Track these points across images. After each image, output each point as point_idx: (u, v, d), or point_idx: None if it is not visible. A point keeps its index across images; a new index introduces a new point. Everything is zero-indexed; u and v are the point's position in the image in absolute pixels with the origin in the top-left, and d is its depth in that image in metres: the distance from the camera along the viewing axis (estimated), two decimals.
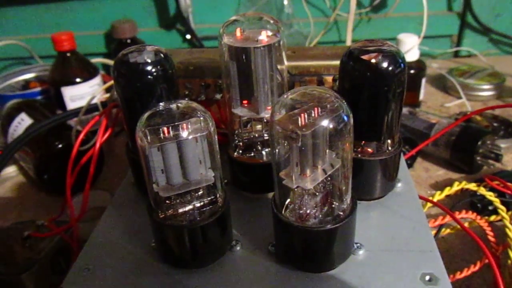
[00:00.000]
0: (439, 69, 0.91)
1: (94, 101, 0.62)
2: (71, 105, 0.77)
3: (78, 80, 0.77)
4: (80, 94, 0.77)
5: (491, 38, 1.03)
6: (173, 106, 0.29)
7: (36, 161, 0.62)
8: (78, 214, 0.43)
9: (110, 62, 0.92)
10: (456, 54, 1.05)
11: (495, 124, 0.71)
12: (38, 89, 0.82)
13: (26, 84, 0.89)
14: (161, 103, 0.30)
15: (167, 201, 0.31)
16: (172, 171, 0.29)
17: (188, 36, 1.01)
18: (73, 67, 0.78)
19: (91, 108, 0.62)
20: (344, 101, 0.28)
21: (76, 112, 0.63)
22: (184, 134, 0.28)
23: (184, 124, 0.28)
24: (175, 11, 1.01)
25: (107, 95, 0.69)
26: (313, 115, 0.27)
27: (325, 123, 0.27)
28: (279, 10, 0.96)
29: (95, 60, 0.85)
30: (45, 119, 0.62)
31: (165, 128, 0.28)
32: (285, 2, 0.94)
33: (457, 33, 1.03)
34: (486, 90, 0.83)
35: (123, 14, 1.00)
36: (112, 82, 0.65)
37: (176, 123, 0.28)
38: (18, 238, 0.46)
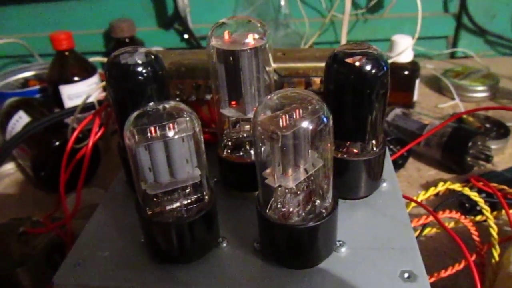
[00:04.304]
0: (434, 70, 0.92)
1: (91, 99, 0.63)
2: (69, 103, 0.78)
3: (76, 78, 0.78)
4: (78, 93, 0.78)
5: (487, 39, 1.04)
6: (161, 107, 0.30)
7: (33, 158, 0.63)
8: (72, 211, 0.44)
9: None
10: (452, 55, 1.06)
11: (487, 125, 0.72)
12: (37, 87, 0.83)
13: (25, 82, 0.90)
14: (149, 104, 0.30)
15: (154, 199, 0.32)
16: (159, 169, 0.30)
17: (185, 36, 1.02)
18: (71, 65, 0.79)
19: (88, 107, 0.63)
20: (324, 103, 0.29)
21: (73, 110, 0.64)
22: (170, 133, 0.29)
23: (171, 124, 0.29)
24: (173, 11, 1.02)
25: (104, 93, 0.70)
26: (294, 116, 0.28)
27: (305, 124, 0.28)
28: (276, 10, 0.97)
29: (93, 59, 0.86)
30: (43, 117, 0.63)
31: (152, 128, 0.29)
32: (282, 3, 0.95)
33: (453, 34, 1.04)
34: (480, 92, 0.84)
35: (122, 14, 1.01)
36: (104, 83, 0.66)
37: (163, 123, 0.29)
38: (14, 234, 0.47)
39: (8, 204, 0.64)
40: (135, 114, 0.30)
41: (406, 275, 0.31)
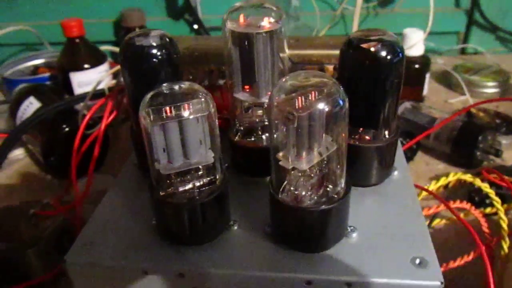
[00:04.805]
0: (445, 65, 0.91)
1: (101, 86, 0.64)
2: (78, 90, 0.78)
3: (86, 66, 0.79)
4: (88, 80, 0.78)
5: (498, 36, 1.03)
6: (176, 87, 0.30)
7: (43, 144, 0.63)
8: (83, 193, 0.44)
9: (117, 49, 0.93)
10: (463, 51, 1.05)
11: (497, 121, 0.72)
12: (46, 74, 0.83)
13: (35, 69, 0.90)
14: (164, 84, 0.31)
15: (167, 180, 0.32)
16: (173, 149, 0.30)
17: (195, 26, 1.02)
18: (81, 53, 0.79)
19: (98, 94, 0.63)
20: (340, 86, 0.29)
21: (83, 96, 0.64)
22: (185, 114, 0.29)
23: (186, 105, 0.29)
24: (184, 1, 1.01)
25: (114, 81, 0.70)
26: (310, 98, 0.28)
27: (321, 106, 0.28)
28: (287, 2, 0.97)
29: (103, 47, 0.86)
30: (53, 103, 0.64)
31: (167, 108, 0.29)
32: None
33: (464, 30, 1.03)
34: (490, 87, 0.84)
35: (132, 3, 1.01)
36: (119, 67, 0.66)
37: (178, 104, 0.29)
38: (24, 216, 0.48)
39: (17, 189, 0.65)
40: (150, 94, 0.30)
41: (417, 261, 0.31)
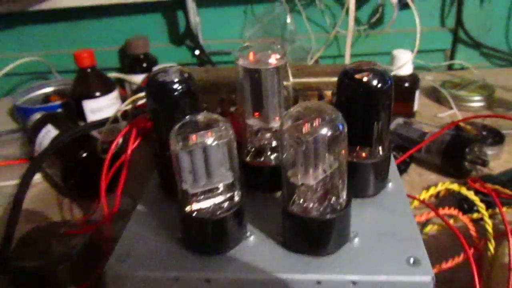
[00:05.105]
0: (433, 81, 0.97)
1: (112, 113, 0.68)
2: (91, 117, 0.84)
3: (97, 94, 0.84)
4: (100, 107, 0.84)
5: (482, 52, 1.09)
6: (200, 117, 0.35)
7: (63, 168, 0.68)
8: (110, 212, 0.49)
9: (124, 76, 0.99)
10: (450, 67, 1.12)
11: (484, 133, 0.77)
12: (58, 102, 0.88)
13: (46, 97, 0.95)
14: (189, 115, 0.36)
15: (193, 197, 0.37)
16: (198, 171, 0.35)
17: (197, 52, 1.08)
18: (93, 82, 0.85)
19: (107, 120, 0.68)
20: (340, 113, 0.34)
21: (98, 123, 0.69)
22: (208, 140, 0.34)
23: (209, 133, 0.34)
24: (185, 28, 1.07)
25: (126, 107, 0.75)
26: (314, 124, 0.33)
27: (324, 131, 0.33)
28: (283, 26, 1.03)
29: (111, 74, 0.92)
30: (71, 130, 0.68)
31: (193, 136, 0.34)
32: (288, 20, 1.01)
33: (450, 47, 1.09)
34: (476, 101, 0.89)
35: (135, 31, 1.06)
36: (132, 98, 0.71)
37: (202, 132, 0.34)
38: (55, 235, 0.52)
39: (38, 211, 0.69)
40: (179, 124, 0.35)
41: (411, 260, 0.36)
